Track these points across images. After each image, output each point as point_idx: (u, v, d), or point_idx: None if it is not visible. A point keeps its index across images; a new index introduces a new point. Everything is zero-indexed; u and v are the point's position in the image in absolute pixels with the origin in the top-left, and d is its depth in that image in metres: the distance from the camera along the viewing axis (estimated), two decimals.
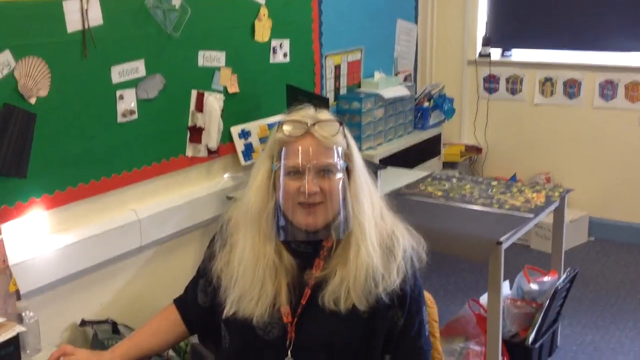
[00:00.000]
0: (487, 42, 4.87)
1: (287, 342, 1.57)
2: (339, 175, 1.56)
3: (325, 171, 1.54)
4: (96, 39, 2.50)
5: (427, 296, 1.92)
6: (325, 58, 3.84)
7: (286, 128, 1.57)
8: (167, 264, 2.95)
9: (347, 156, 1.59)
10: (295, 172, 1.54)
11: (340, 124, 1.59)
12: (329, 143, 1.55)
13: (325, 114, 1.61)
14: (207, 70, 3.03)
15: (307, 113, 1.60)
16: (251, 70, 3.26)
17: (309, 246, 1.60)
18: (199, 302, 1.75)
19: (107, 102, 2.61)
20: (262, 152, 1.65)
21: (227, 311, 1.59)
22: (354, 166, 1.60)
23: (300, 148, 1.54)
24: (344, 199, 1.56)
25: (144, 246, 2.78)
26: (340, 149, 1.57)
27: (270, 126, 3.30)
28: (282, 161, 1.55)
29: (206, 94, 3.01)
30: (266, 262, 1.57)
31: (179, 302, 1.81)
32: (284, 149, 1.56)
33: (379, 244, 1.58)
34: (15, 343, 1.76)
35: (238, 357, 1.64)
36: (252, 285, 1.56)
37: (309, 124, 1.55)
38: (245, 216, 1.61)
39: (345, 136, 1.60)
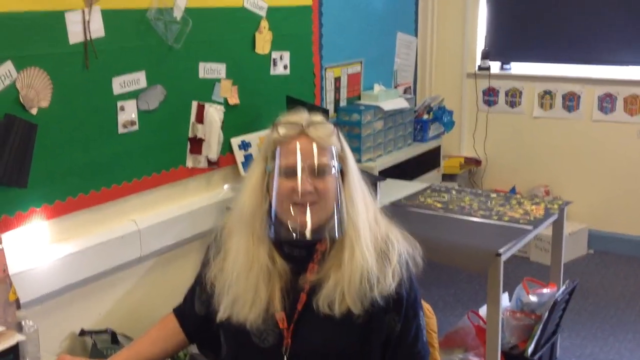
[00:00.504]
0: (486, 55, 4.89)
1: (284, 349, 1.56)
2: (334, 176, 1.55)
3: (320, 171, 1.54)
4: (98, 51, 2.52)
5: (426, 306, 1.92)
6: (325, 70, 3.86)
7: (281, 129, 1.57)
8: (167, 275, 2.96)
9: (341, 158, 1.59)
10: (290, 172, 1.53)
11: (335, 126, 1.60)
12: (324, 143, 1.55)
13: (318, 117, 1.62)
14: (207, 81, 3.05)
15: (301, 116, 1.61)
16: (251, 82, 3.28)
17: (302, 250, 1.59)
18: (196, 311, 1.75)
19: (108, 113, 2.62)
20: (257, 156, 1.65)
21: (221, 316, 1.59)
22: (348, 168, 1.60)
23: (295, 148, 1.54)
24: (338, 200, 1.55)
25: (143, 256, 2.79)
26: (334, 150, 1.57)
27: None
28: (277, 161, 1.55)
29: (207, 105, 3.03)
30: (260, 267, 1.56)
31: (178, 311, 1.81)
32: (278, 149, 1.55)
33: (374, 247, 1.58)
34: (14, 352, 1.76)
35: None
36: (246, 289, 1.56)
37: (303, 125, 1.56)
38: (239, 220, 1.61)
39: (339, 138, 1.60)
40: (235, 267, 1.58)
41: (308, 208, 1.53)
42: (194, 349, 1.89)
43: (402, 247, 1.62)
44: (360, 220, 1.57)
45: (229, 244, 1.63)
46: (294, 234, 1.54)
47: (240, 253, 1.58)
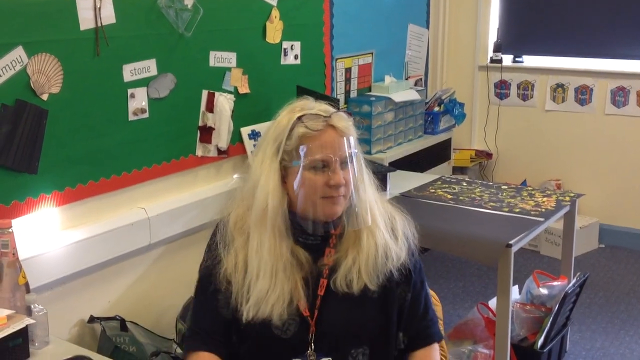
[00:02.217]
0: (498, 48, 4.86)
1: (310, 336, 1.57)
2: (356, 163, 1.58)
3: (346, 162, 1.56)
4: (108, 38, 2.52)
5: (432, 293, 1.91)
6: (336, 61, 3.85)
7: (307, 121, 1.55)
8: (176, 263, 2.96)
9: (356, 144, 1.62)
10: (322, 166, 1.54)
11: (349, 114, 1.63)
12: (348, 133, 1.57)
13: (328, 105, 1.62)
14: (218, 70, 3.04)
15: (319, 106, 1.60)
16: (262, 71, 3.27)
17: (318, 237, 1.61)
18: (224, 317, 1.62)
19: (118, 100, 2.62)
20: (262, 152, 1.60)
21: (247, 316, 1.55)
22: (359, 152, 1.63)
23: (325, 141, 1.54)
24: (360, 187, 1.59)
25: (153, 244, 2.79)
26: (353, 138, 1.59)
27: None
28: (305, 156, 1.53)
29: (217, 94, 3.02)
30: (283, 263, 1.56)
31: (206, 346, 1.63)
32: (305, 144, 1.53)
33: (384, 223, 1.62)
34: (23, 335, 1.76)
35: (256, 358, 1.62)
36: (271, 287, 1.54)
37: (328, 116, 1.56)
38: (259, 217, 1.56)
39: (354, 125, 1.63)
40: (261, 266, 1.55)
41: (340, 199, 1.55)
42: None
43: (402, 221, 1.67)
44: (373, 199, 1.61)
45: (237, 241, 1.60)
46: (321, 227, 1.57)
47: (264, 251, 1.55)
